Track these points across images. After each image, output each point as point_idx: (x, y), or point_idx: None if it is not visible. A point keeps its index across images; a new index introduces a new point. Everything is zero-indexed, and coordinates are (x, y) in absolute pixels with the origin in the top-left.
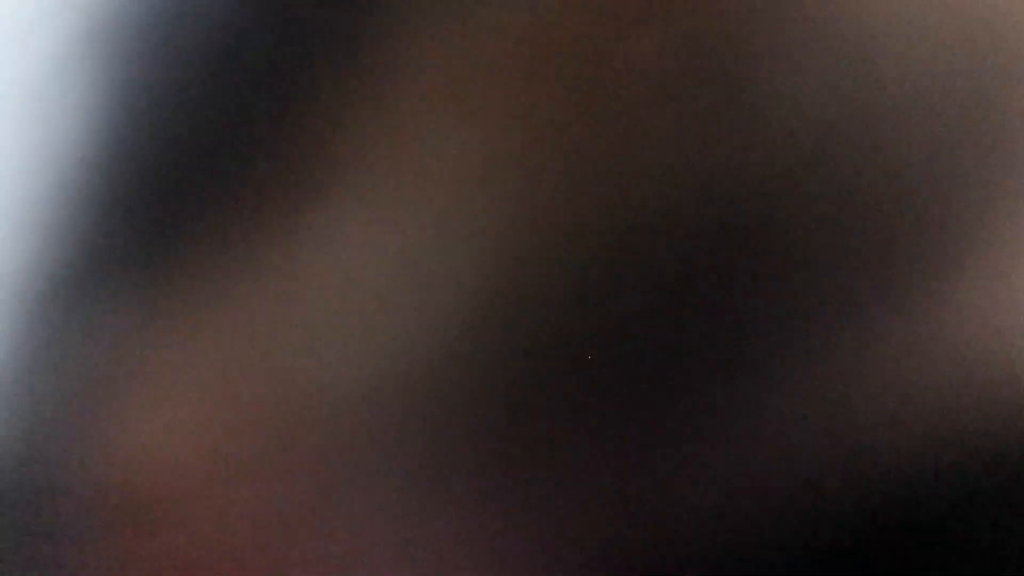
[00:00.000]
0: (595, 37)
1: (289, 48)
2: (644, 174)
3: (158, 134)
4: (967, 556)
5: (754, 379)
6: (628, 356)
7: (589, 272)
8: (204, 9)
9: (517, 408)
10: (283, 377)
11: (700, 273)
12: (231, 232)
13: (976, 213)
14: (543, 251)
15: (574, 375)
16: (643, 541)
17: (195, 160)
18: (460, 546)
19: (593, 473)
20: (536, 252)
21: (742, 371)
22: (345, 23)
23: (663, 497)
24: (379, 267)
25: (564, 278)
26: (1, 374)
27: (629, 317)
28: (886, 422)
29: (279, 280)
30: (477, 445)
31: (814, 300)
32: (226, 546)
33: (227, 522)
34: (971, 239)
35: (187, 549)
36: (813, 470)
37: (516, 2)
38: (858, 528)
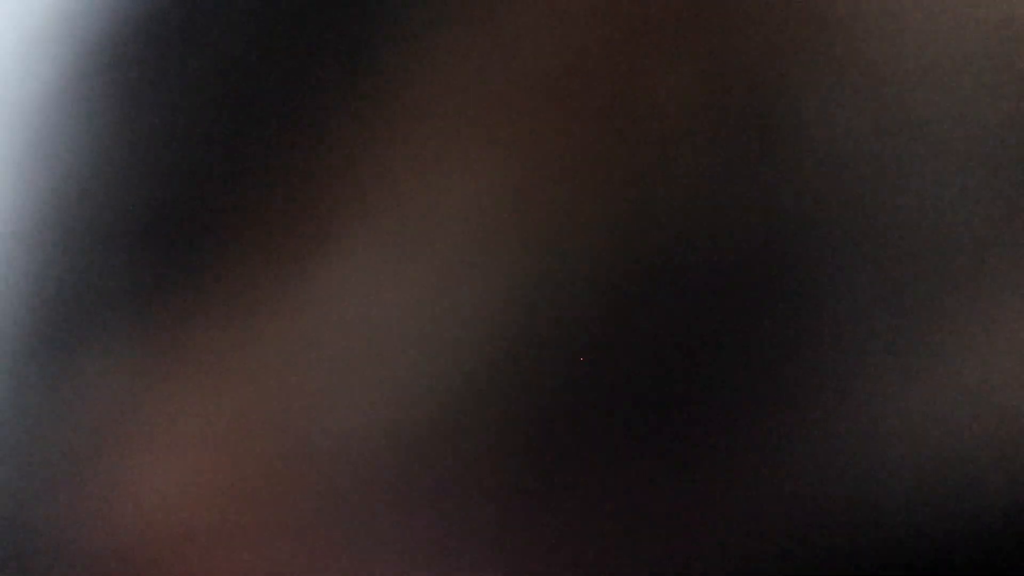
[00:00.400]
0: (618, 75)
1: (299, 92)
2: (670, 209)
3: (156, 179)
4: None
5: (767, 426)
6: (643, 411)
7: (605, 319)
8: (212, 43)
9: (529, 460)
10: (289, 435)
11: (724, 309)
12: (235, 286)
13: (1003, 264)
14: (556, 299)
15: (586, 426)
16: None
17: (200, 209)
18: None
19: (602, 526)
20: (549, 300)
21: (755, 420)
22: (358, 66)
23: (672, 555)
24: (387, 320)
25: (579, 325)
26: None
27: (646, 369)
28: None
29: (284, 336)
30: (488, 498)
31: (833, 335)
32: None
33: None
34: (997, 287)
35: None
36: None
37: (537, 41)
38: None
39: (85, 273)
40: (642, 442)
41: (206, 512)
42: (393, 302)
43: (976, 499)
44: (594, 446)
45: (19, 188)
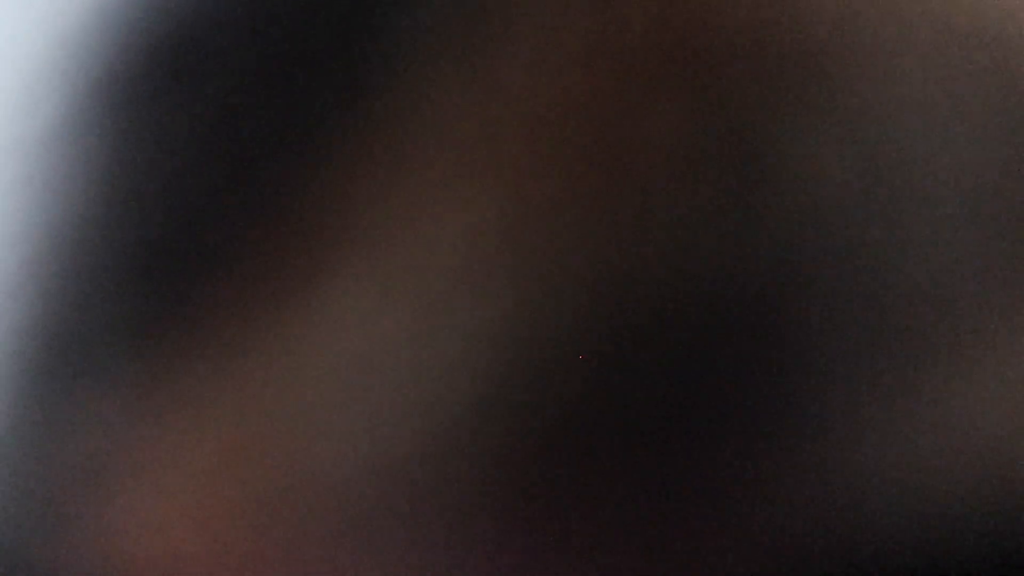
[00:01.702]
0: (606, 114)
1: (293, 130)
2: (656, 248)
3: (155, 210)
4: None
5: (761, 458)
6: (638, 441)
7: (599, 349)
8: (210, 82)
9: (526, 490)
10: (282, 467)
11: (710, 351)
12: (231, 314)
13: (992, 303)
14: (552, 329)
15: (584, 456)
16: None
17: (197, 236)
18: None
19: (601, 554)
20: (545, 330)
21: (749, 450)
22: (351, 105)
23: None
24: (379, 353)
25: (574, 355)
26: None
27: (640, 400)
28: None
29: (277, 369)
30: (486, 527)
31: (820, 376)
32: None
33: None
34: (986, 327)
35: None
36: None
37: (527, 79)
38: None
39: (81, 307)
40: (628, 487)
41: (198, 543)
42: (385, 335)
43: (967, 538)
44: (584, 482)
45: (18, 222)
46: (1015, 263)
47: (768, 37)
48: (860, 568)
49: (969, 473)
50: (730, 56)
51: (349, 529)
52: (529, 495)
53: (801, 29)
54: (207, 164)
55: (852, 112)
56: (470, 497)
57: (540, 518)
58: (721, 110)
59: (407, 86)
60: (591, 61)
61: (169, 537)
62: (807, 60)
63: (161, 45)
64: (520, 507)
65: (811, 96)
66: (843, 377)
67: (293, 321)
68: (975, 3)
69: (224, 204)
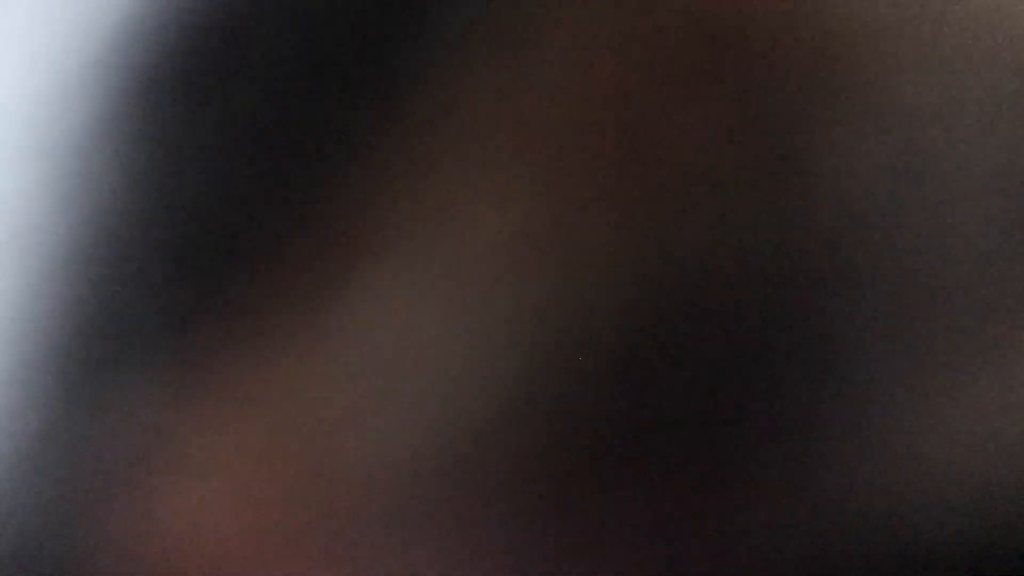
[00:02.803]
0: (639, 114)
1: (325, 129)
2: (689, 246)
3: (192, 208)
4: None
5: (782, 472)
6: (667, 443)
7: (626, 352)
8: (244, 83)
9: (555, 491)
10: (315, 460)
11: (731, 356)
12: (267, 310)
13: (1019, 303)
14: (585, 330)
15: (613, 459)
16: None
17: (232, 234)
18: None
19: (625, 558)
20: (578, 330)
21: (769, 465)
22: (385, 104)
23: None
24: (410, 349)
25: (601, 359)
26: (35, 452)
27: (664, 404)
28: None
29: (310, 364)
30: (513, 523)
31: (849, 375)
32: None
33: None
34: (1013, 326)
35: None
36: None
37: (561, 73)
38: None
39: (120, 303)
40: (659, 479)
41: (234, 536)
42: (416, 332)
43: (993, 537)
44: (613, 485)
45: (56, 221)
46: None
47: (802, 35)
48: (868, 571)
49: (986, 477)
50: (763, 54)
51: (380, 522)
52: (558, 496)
53: (836, 27)
54: (242, 164)
55: (886, 110)
56: (499, 496)
57: (567, 518)
58: (755, 108)
59: (439, 84)
60: (624, 60)
61: (206, 528)
62: (842, 58)
63: (194, 48)
64: (548, 508)
65: (845, 94)
66: (873, 373)
67: (327, 318)
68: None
69: (259, 202)
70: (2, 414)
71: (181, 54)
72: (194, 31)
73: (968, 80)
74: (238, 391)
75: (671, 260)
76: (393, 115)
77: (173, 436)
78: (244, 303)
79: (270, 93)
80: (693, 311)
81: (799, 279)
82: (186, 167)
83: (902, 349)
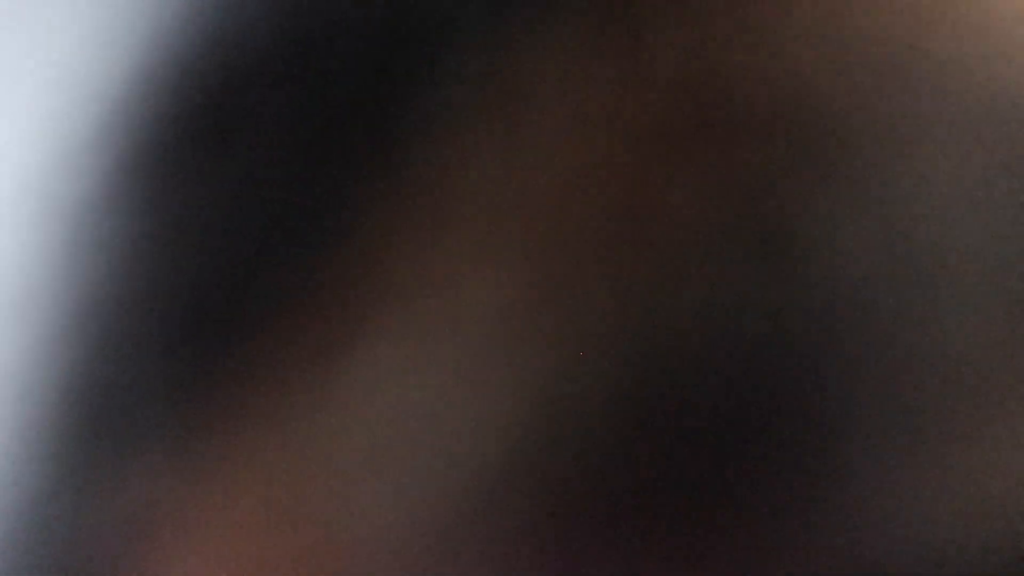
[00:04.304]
0: (630, 190)
1: (328, 194)
2: (681, 317)
3: (193, 272)
4: None
5: (776, 523)
6: (660, 509)
7: (620, 419)
8: (245, 147)
9: (553, 551)
10: (323, 520)
11: (724, 425)
12: (269, 373)
13: (1013, 378)
14: (576, 397)
15: (612, 520)
16: None
17: (234, 297)
18: None
19: None
20: (576, 394)
21: (761, 534)
22: (385, 168)
23: None
24: (414, 414)
25: (597, 425)
26: (32, 524)
27: (663, 470)
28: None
29: (318, 423)
30: None
31: (840, 450)
32: None
33: None
34: (1006, 401)
35: None
36: None
37: (557, 141)
38: None
39: (121, 367)
40: (656, 540)
41: None
42: (420, 396)
43: None
44: (613, 540)
45: (58, 288)
46: None
47: (794, 108)
48: None
49: (979, 538)
50: (755, 127)
51: None
52: (560, 555)
53: (826, 101)
54: (243, 228)
55: (876, 185)
56: (503, 557)
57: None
58: (746, 183)
59: (436, 156)
60: (618, 133)
61: None
62: (832, 132)
63: (195, 112)
64: (551, 567)
65: (837, 171)
66: (860, 448)
67: (330, 381)
68: (1002, 74)
69: (260, 270)
70: None
71: (184, 121)
72: (194, 96)
73: (963, 153)
74: (240, 459)
75: (664, 329)
76: (391, 185)
77: (175, 501)
78: (246, 370)
79: (272, 162)
80: (686, 381)
81: (792, 350)
82: (187, 234)
83: (898, 420)
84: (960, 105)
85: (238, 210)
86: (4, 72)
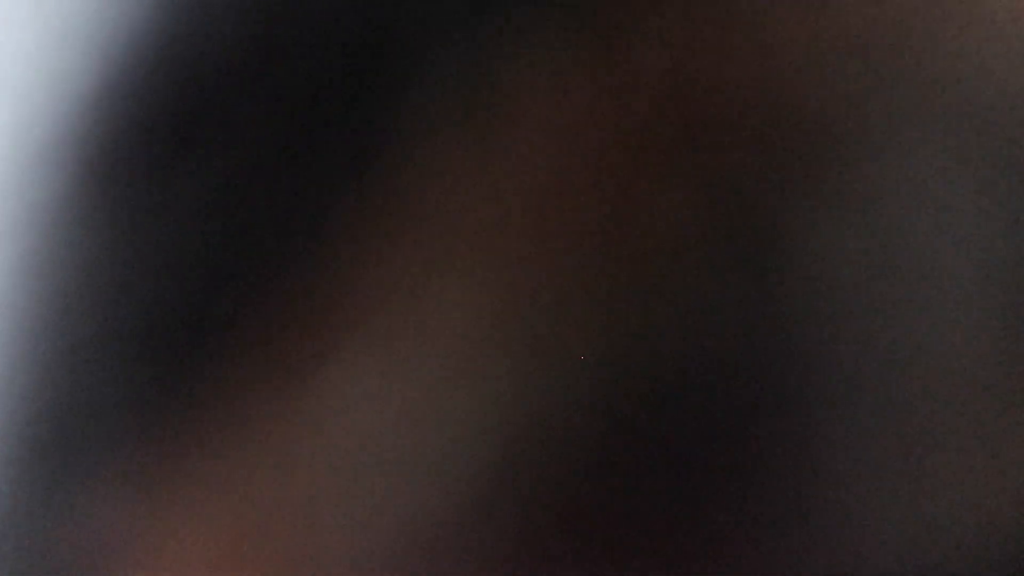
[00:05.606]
0: (615, 193)
1: (297, 208)
2: (663, 330)
3: (160, 286)
4: None
5: (765, 541)
6: (646, 524)
7: (604, 431)
8: (212, 157)
9: (533, 566)
10: (293, 543)
11: (712, 434)
12: (237, 392)
13: (1004, 391)
14: (556, 411)
15: (586, 541)
16: None
17: (201, 314)
18: None
19: None
20: (549, 412)
21: (750, 555)
22: (356, 184)
23: None
24: (388, 428)
25: (579, 438)
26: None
27: (639, 485)
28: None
29: (286, 443)
30: None
31: (830, 463)
32: None
33: None
34: (999, 414)
35: None
36: None
37: (536, 155)
38: None
39: (86, 386)
40: (639, 558)
41: None
42: (391, 415)
43: None
44: (595, 554)
45: (17, 301)
46: None
47: (780, 117)
48: None
49: (977, 539)
50: (740, 135)
51: None
52: (541, 567)
53: (814, 110)
54: (210, 241)
55: (864, 194)
56: (478, 573)
57: None
58: (731, 190)
59: (414, 163)
60: (599, 138)
61: None
62: (819, 141)
63: (163, 120)
64: None
65: (823, 178)
66: (856, 460)
67: (299, 400)
68: (994, 82)
69: (228, 282)
70: None
71: (153, 126)
72: (162, 103)
73: (952, 162)
74: (209, 476)
75: (650, 337)
76: (370, 191)
77: (141, 523)
78: (214, 385)
79: (242, 169)
80: (673, 391)
81: (780, 356)
82: (153, 245)
83: (887, 423)
84: (946, 108)
85: (207, 219)
86: None
